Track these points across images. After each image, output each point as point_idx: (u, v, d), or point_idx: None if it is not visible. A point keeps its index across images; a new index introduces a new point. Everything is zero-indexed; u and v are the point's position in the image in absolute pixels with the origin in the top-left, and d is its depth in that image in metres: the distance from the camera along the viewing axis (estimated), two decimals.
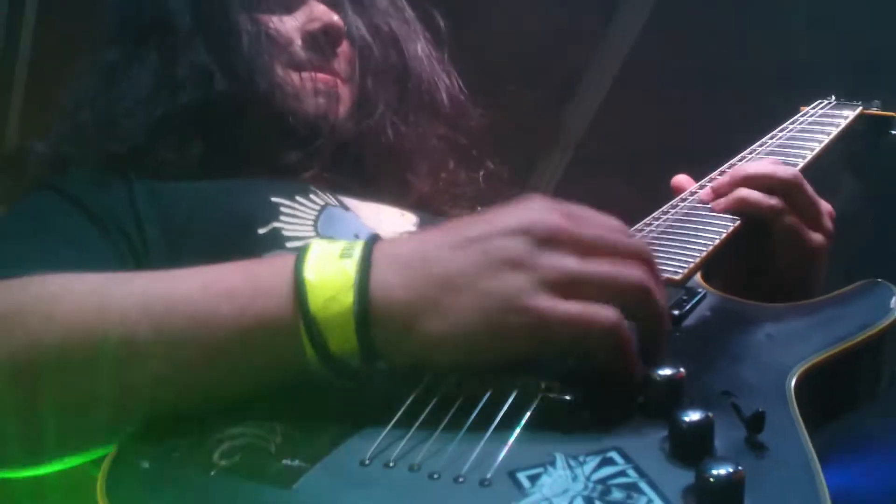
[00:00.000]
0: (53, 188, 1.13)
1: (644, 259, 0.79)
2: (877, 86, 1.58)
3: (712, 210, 1.10)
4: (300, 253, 0.78)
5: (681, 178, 1.22)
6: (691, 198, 1.15)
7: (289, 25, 1.26)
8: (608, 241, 0.78)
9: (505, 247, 0.75)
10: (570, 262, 0.75)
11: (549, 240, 0.75)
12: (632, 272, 0.76)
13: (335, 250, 0.78)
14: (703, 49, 2.90)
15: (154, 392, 0.77)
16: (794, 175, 1.10)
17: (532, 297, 0.73)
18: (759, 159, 1.24)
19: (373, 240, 0.79)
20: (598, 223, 0.80)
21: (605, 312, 0.74)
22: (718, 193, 1.12)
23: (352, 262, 0.76)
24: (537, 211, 0.77)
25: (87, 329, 0.78)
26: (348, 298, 0.74)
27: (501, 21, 2.74)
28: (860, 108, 1.47)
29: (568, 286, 0.74)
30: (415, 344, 0.74)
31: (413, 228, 1.23)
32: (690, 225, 1.07)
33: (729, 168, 1.22)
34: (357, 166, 1.30)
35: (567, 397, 0.74)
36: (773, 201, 1.08)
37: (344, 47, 1.30)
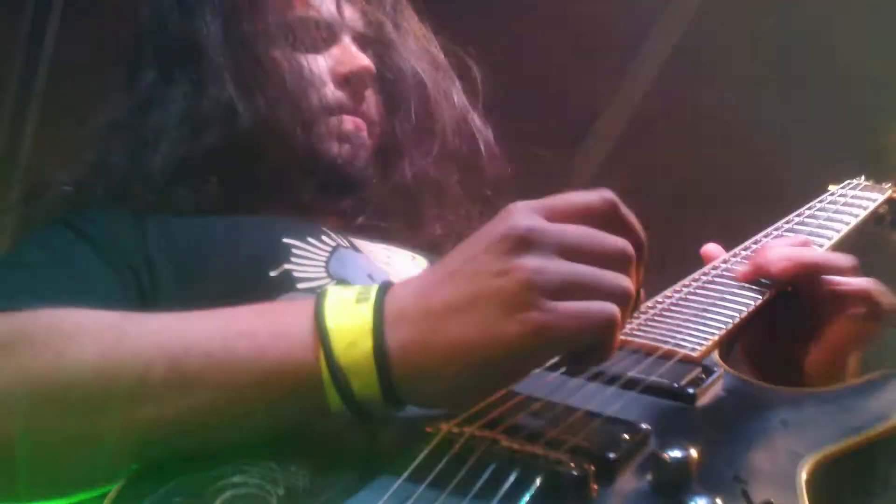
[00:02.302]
0: (65, 223, 1.13)
1: (626, 260, 0.79)
2: None
3: (739, 284, 1.09)
4: (318, 298, 0.78)
5: (710, 248, 1.21)
6: (714, 271, 1.14)
7: (321, 66, 1.27)
8: (588, 241, 0.78)
9: (488, 261, 0.76)
10: (549, 264, 0.75)
11: (527, 242, 0.75)
12: (616, 279, 0.77)
13: (351, 295, 0.78)
14: (720, 97, 2.91)
15: (167, 432, 0.77)
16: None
17: (523, 310, 0.73)
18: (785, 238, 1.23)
19: (386, 284, 0.79)
20: (580, 212, 0.80)
21: (601, 305, 0.75)
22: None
23: (368, 306, 0.76)
24: (513, 218, 0.78)
25: (100, 366, 0.78)
26: (367, 343, 0.74)
27: (519, 59, 2.75)
28: (890, 191, 1.46)
29: (555, 286, 0.74)
30: (430, 380, 0.75)
31: None
32: (711, 300, 1.06)
33: (754, 244, 1.22)
34: (372, 209, 1.30)
35: (574, 472, 0.73)
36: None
37: (371, 90, 1.31)
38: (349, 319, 0.76)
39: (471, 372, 0.75)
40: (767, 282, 1.09)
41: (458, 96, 1.38)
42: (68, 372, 0.78)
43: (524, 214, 0.78)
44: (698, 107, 2.96)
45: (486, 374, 0.76)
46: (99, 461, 0.78)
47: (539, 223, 0.77)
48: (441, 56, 1.41)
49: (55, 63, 2.86)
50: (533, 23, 2.78)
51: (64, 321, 0.83)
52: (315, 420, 0.77)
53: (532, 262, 0.75)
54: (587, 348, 0.76)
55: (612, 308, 0.75)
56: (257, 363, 0.77)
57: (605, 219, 0.80)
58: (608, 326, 0.75)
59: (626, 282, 0.77)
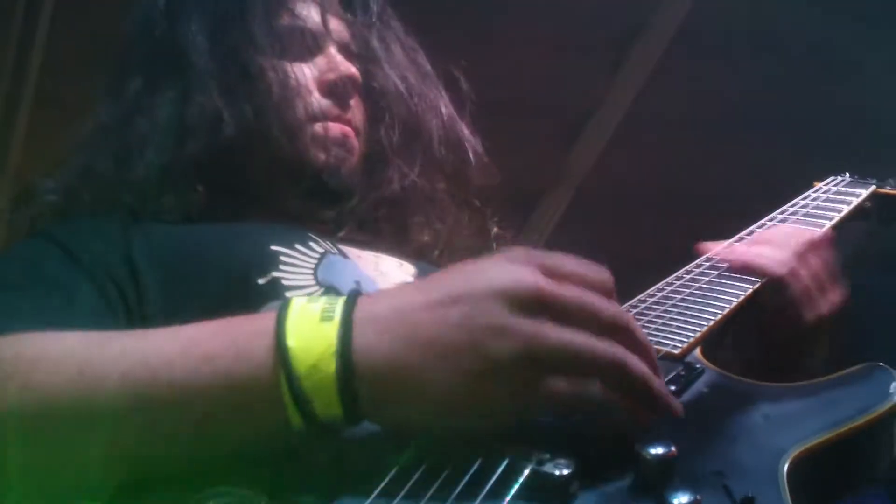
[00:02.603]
0: (47, 236, 1.12)
1: (623, 327, 0.78)
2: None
3: (724, 276, 1.11)
4: (280, 314, 0.77)
5: (706, 246, 1.23)
6: (696, 269, 1.15)
7: (306, 74, 1.27)
8: (589, 309, 0.77)
9: (485, 311, 0.74)
10: (548, 330, 0.75)
11: (529, 304, 0.75)
12: (606, 351, 0.76)
13: (315, 311, 0.77)
14: (710, 99, 2.92)
15: (135, 457, 0.77)
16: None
17: (512, 369, 0.73)
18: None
19: (353, 300, 0.78)
20: (581, 279, 0.79)
21: (591, 389, 0.75)
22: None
23: (332, 325, 0.75)
24: (518, 270, 0.77)
25: (65, 396, 0.78)
26: (331, 366, 0.74)
27: (511, 59, 2.76)
28: (874, 186, 1.47)
29: (544, 353, 0.74)
30: (398, 408, 0.75)
31: (411, 279, 1.22)
32: (694, 298, 1.07)
33: (738, 241, 1.23)
34: (359, 216, 1.30)
35: (556, 472, 0.74)
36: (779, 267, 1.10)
37: (357, 98, 1.32)
38: (311, 339, 0.75)
39: (444, 411, 0.74)
40: (752, 278, 1.10)
41: (445, 106, 1.39)
42: (34, 402, 0.78)
43: (529, 271, 0.77)
44: (689, 106, 2.97)
45: (459, 415, 0.75)
46: (68, 488, 0.78)
47: (544, 285, 0.76)
48: (427, 66, 1.41)
49: (44, 69, 2.86)
50: (524, 23, 2.79)
51: (30, 348, 0.83)
52: (279, 439, 0.77)
53: (530, 328, 0.74)
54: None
55: (599, 390, 0.75)
56: (220, 386, 0.76)
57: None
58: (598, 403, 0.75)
59: (613, 354, 0.76)
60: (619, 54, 3.02)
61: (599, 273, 0.81)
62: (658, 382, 0.78)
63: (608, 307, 0.79)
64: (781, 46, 2.83)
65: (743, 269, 1.12)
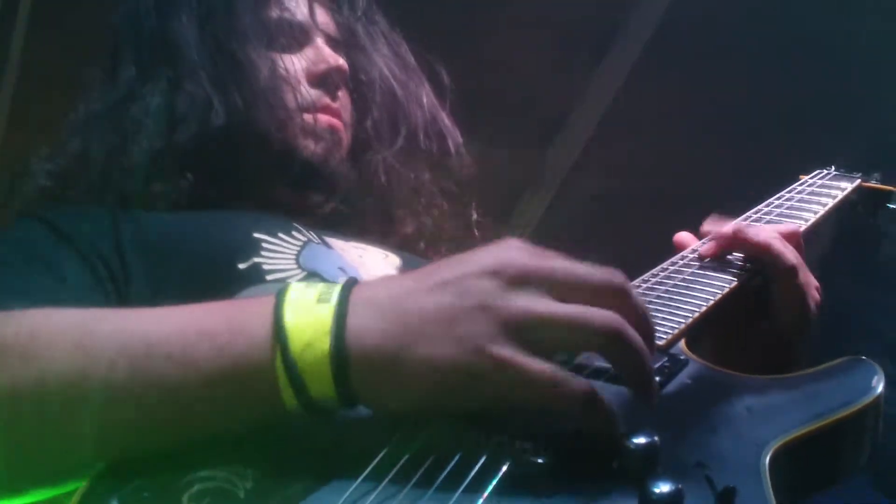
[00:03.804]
0: (38, 218, 1.13)
1: (619, 291, 0.79)
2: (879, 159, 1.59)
3: (709, 268, 1.11)
4: (278, 295, 0.78)
5: (682, 236, 1.22)
6: (681, 261, 1.15)
7: (295, 65, 1.28)
8: (580, 273, 0.78)
9: (476, 289, 0.75)
10: (539, 304, 0.75)
11: (520, 280, 0.76)
12: (603, 316, 0.76)
13: (312, 294, 0.78)
14: (691, 95, 2.93)
15: (131, 431, 0.78)
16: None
17: (504, 345, 0.73)
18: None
19: (350, 284, 0.79)
20: (581, 284, 0.79)
21: (574, 382, 0.74)
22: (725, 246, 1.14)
23: (328, 307, 0.76)
24: (509, 251, 0.78)
25: (63, 368, 0.78)
26: (325, 345, 0.74)
27: (490, 56, 2.76)
28: (859, 180, 1.48)
29: (538, 329, 0.74)
30: (390, 389, 0.75)
31: (395, 271, 1.23)
32: (678, 289, 1.07)
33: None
34: (344, 206, 1.31)
35: (539, 460, 0.74)
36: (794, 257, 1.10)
37: (344, 90, 1.32)
38: (308, 319, 0.76)
39: (434, 391, 0.75)
40: (736, 270, 1.11)
41: (428, 98, 1.40)
42: (34, 375, 0.78)
43: (521, 252, 0.78)
44: (669, 102, 2.97)
45: (449, 395, 0.75)
46: (65, 460, 0.79)
47: (534, 262, 0.77)
48: (411, 59, 1.43)
49: (26, 61, 2.84)
50: (504, 21, 2.79)
51: (27, 323, 0.83)
52: (272, 418, 0.77)
53: (521, 302, 0.75)
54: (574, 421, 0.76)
55: (584, 384, 0.75)
56: (216, 362, 0.77)
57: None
58: (579, 397, 0.74)
59: (610, 321, 0.75)
60: (599, 51, 3.02)
61: (610, 280, 0.80)
62: (650, 360, 0.78)
63: (600, 273, 0.79)
64: (761, 42, 2.83)
65: (756, 250, 1.12)
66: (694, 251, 1.18)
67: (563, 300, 0.76)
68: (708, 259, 1.14)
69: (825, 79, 2.83)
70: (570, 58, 2.98)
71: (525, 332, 0.74)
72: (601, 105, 3.09)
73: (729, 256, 1.14)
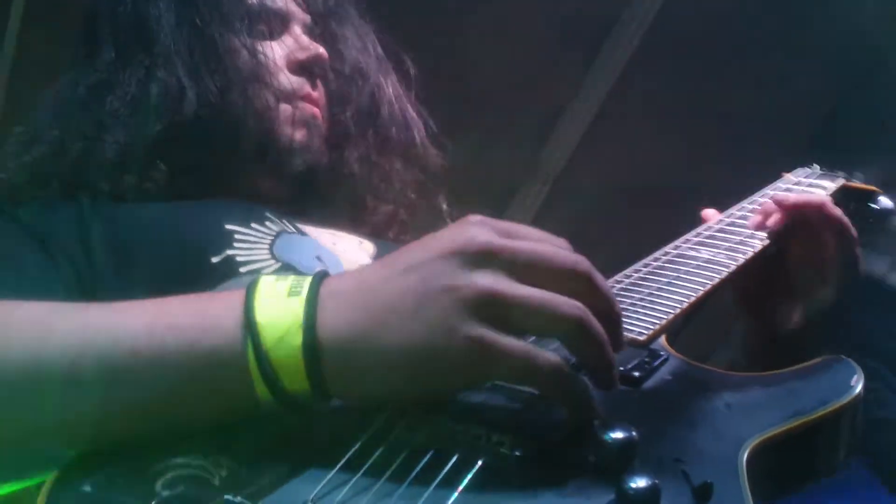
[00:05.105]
0: (1, 212, 1.12)
1: (584, 276, 0.78)
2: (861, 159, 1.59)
3: (689, 270, 1.11)
4: (248, 290, 0.77)
5: (708, 212, 1.29)
6: (664, 256, 1.15)
7: (275, 53, 1.27)
8: (544, 255, 0.77)
9: (439, 270, 0.75)
10: (502, 284, 0.74)
11: (483, 257, 0.75)
12: (566, 304, 0.75)
13: (283, 288, 0.77)
14: (685, 91, 2.93)
15: (97, 425, 0.77)
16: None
17: (470, 325, 0.73)
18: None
19: (320, 276, 0.78)
20: (534, 237, 0.79)
21: (548, 355, 0.74)
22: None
23: (299, 300, 0.76)
24: (471, 230, 0.77)
25: (27, 361, 0.77)
26: (297, 339, 0.74)
27: (485, 53, 2.76)
28: (842, 179, 1.48)
29: (501, 308, 0.74)
30: (363, 378, 0.75)
31: (369, 259, 1.23)
32: (663, 283, 1.07)
33: (706, 230, 1.23)
34: (317, 194, 1.31)
35: (516, 453, 0.74)
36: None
37: (321, 79, 1.32)
38: (279, 313, 0.75)
39: (406, 377, 0.74)
40: (723, 268, 1.11)
41: (395, 88, 1.41)
42: None
43: (482, 229, 0.77)
44: (664, 100, 2.98)
45: (421, 381, 0.75)
46: (31, 453, 0.78)
47: (496, 240, 0.77)
48: (379, 49, 1.43)
49: (18, 56, 2.82)
50: (497, 19, 2.79)
51: None
52: (245, 412, 0.76)
53: (484, 280, 0.74)
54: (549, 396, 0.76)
55: (555, 363, 0.74)
56: (186, 357, 0.76)
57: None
58: (550, 371, 0.74)
59: (572, 309, 0.75)
60: (592, 49, 3.02)
61: (556, 238, 0.80)
62: (610, 351, 0.77)
63: (564, 254, 0.78)
64: (753, 39, 2.84)
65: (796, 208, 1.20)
66: (676, 247, 1.18)
67: (526, 281, 0.75)
68: (706, 246, 1.16)
69: (816, 77, 2.84)
70: (564, 55, 2.98)
71: (490, 310, 0.73)
72: (595, 104, 3.09)
73: (726, 244, 1.17)
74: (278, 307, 0.76)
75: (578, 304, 0.76)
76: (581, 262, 0.79)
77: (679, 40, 2.86)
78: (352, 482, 0.70)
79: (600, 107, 3.10)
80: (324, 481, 0.70)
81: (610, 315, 0.78)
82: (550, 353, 0.75)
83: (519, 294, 0.74)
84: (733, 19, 2.81)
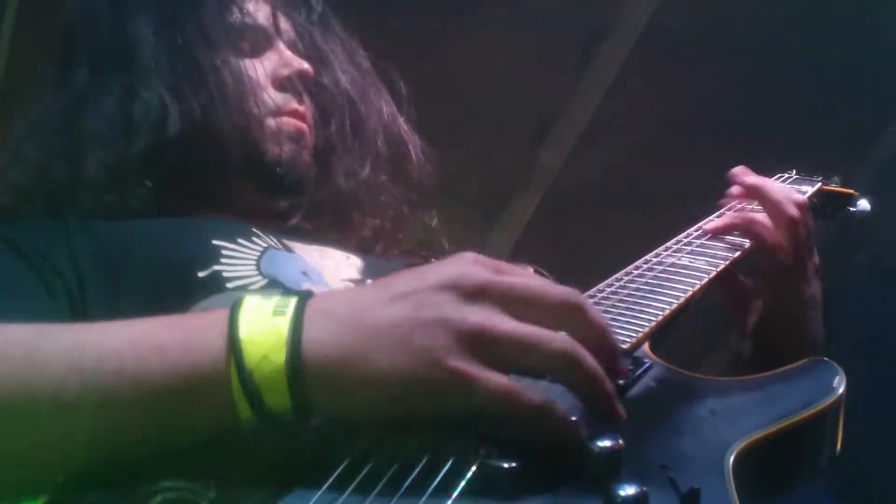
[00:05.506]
0: None
1: (576, 310, 0.78)
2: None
3: (670, 277, 1.12)
4: (233, 309, 0.77)
5: (738, 170, 1.38)
6: (645, 264, 1.16)
7: (259, 69, 1.27)
8: (536, 290, 0.78)
9: (433, 302, 0.75)
10: (495, 320, 0.75)
11: (477, 294, 0.76)
12: (559, 341, 0.76)
13: (268, 307, 0.77)
14: (677, 97, 2.95)
15: (84, 447, 0.76)
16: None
17: (459, 358, 0.73)
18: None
19: (306, 296, 0.78)
20: (527, 276, 0.80)
21: (530, 395, 0.74)
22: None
23: (284, 319, 0.76)
24: (467, 265, 0.78)
25: (12, 383, 0.76)
26: (280, 357, 0.74)
27: (480, 57, 2.76)
28: (820, 183, 1.50)
29: (492, 345, 0.74)
30: (346, 399, 0.75)
31: (357, 273, 1.23)
32: (645, 291, 1.08)
33: (686, 236, 1.25)
34: (304, 209, 1.31)
35: (504, 464, 0.74)
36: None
37: (306, 94, 1.32)
38: (263, 330, 0.75)
39: (390, 403, 0.75)
40: (703, 274, 1.12)
41: (387, 104, 1.41)
42: None
43: (477, 266, 0.78)
44: (658, 103, 2.99)
45: (402, 406, 0.75)
46: (16, 477, 0.77)
47: (491, 277, 0.77)
48: (368, 65, 1.43)
49: (11, 62, 2.81)
50: (491, 24, 2.79)
51: None
52: (227, 431, 0.76)
53: (477, 317, 0.75)
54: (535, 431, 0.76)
55: (540, 395, 0.75)
56: (170, 377, 0.76)
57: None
58: (537, 408, 0.74)
59: (563, 346, 0.76)
60: (587, 54, 3.03)
61: (566, 296, 0.80)
62: (608, 384, 0.78)
63: (557, 288, 0.79)
64: (747, 46, 2.86)
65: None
66: (657, 255, 1.18)
67: (519, 317, 0.76)
68: (687, 251, 1.18)
69: (807, 83, 2.87)
70: (559, 59, 2.98)
71: (481, 346, 0.74)
72: (591, 105, 3.09)
73: (706, 250, 1.19)
74: (263, 325, 0.75)
75: (570, 339, 0.77)
76: (573, 295, 0.80)
77: (671, 47, 2.87)
78: (341, 499, 0.70)
79: (595, 112, 3.11)
80: (312, 500, 0.70)
81: (605, 347, 0.79)
82: (536, 392, 0.75)
83: (509, 330, 0.75)
84: (724, 26, 2.82)
